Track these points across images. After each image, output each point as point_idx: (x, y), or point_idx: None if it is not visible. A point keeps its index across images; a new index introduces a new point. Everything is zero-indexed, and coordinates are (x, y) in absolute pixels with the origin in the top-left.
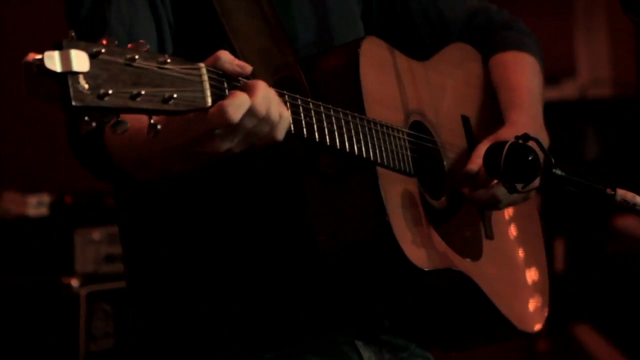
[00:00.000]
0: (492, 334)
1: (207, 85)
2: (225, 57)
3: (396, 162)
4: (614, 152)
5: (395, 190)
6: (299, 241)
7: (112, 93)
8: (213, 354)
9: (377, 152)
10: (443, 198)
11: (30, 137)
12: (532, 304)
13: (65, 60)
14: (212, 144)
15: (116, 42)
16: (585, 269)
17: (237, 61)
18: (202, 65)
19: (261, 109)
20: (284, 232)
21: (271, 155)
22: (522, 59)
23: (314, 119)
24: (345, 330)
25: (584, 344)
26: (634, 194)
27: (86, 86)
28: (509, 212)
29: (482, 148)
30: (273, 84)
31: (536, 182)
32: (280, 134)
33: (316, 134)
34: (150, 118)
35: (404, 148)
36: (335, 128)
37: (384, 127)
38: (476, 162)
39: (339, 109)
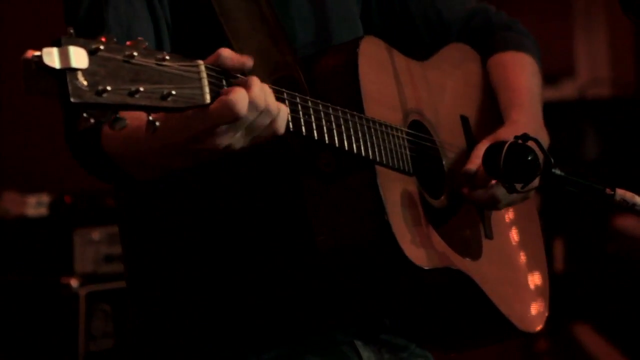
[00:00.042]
0: (492, 334)
1: (205, 82)
2: (226, 53)
3: (395, 160)
4: (614, 152)
5: (394, 189)
6: (298, 240)
7: (111, 90)
8: (213, 354)
9: (376, 150)
10: (442, 197)
11: (30, 137)
12: (533, 304)
13: (64, 56)
14: (213, 140)
15: (115, 39)
16: (585, 269)
17: (237, 55)
18: (200, 62)
19: (260, 100)
20: (283, 232)
21: (270, 155)
22: (521, 59)
23: (312, 117)
24: (345, 330)
25: (583, 344)
26: (633, 194)
27: (85, 83)
28: (508, 212)
29: (482, 148)
30: (272, 83)
31: (535, 182)
32: (281, 127)
33: (315, 132)
34: (148, 115)
35: (402, 147)
36: (334, 126)
37: (383, 126)
38: (475, 162)
39: (338, 107)
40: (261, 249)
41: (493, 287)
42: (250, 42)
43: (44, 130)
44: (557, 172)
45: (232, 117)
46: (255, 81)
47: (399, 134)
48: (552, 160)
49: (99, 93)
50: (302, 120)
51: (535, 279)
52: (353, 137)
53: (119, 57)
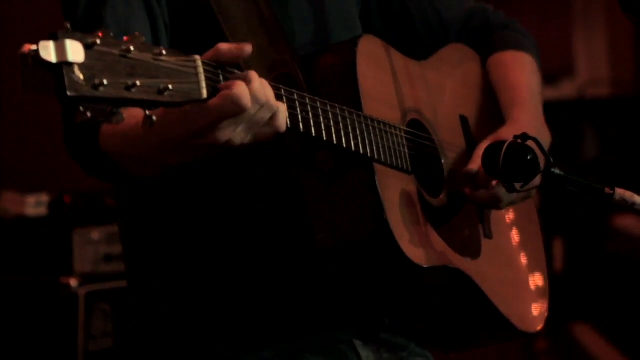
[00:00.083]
0: (492, 333)
1: (202, 77)
2: (224, 45)
3: (393, 159)
4: (613, 152)
5: (393, 187)
6: (297, 239)
7: (108, 84)
8: (212, 353)
9: (374, 148)
10: (441, 196)
11: (30, 137)
12: (532, 304)
13: (61, 50)
14: (214, 135)
15: (111, 34)
16: (584, 268)
17: (235, 44)
18: (197, 57)
19: (261, 94)
20: (282, 230)
21: (269, 153)
22: (521, 58)
23: (310, 114)
24: (344, 329)
25: (583, 344)
26: (632, 193)
27: (81, 77)
28: (508, 211)
29: (483, 147)
30: (270, 81)
31: (535, 182)
32: (282, 123)
33: (312, 129)
34: (145, 110)
35: (401, 145)
36: (332, 124)
37: (381, 124)
38: (477, 162)
39: (336, 105)
40: (261, 247)
41: (492, 286)
42: (249, 41)
43: (43, 130)
44: (557, 171)
45: (236, 111)
46: (254, 75)
47: (398, 132)
48: (552, 160)
49: (96, 87)
50: (299, 117)
51: (535, 279)
52: (351, 135)
53: (116, 51)
